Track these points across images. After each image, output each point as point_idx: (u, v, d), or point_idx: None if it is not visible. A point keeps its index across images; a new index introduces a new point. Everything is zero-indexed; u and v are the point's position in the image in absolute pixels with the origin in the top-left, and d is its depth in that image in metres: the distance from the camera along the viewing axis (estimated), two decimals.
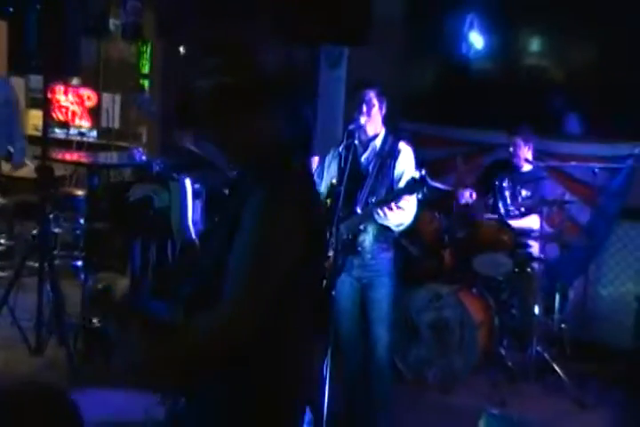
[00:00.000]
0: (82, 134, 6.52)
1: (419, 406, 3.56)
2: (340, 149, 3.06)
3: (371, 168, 3.08)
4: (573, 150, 4.43)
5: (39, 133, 4.27)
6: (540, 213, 3.91)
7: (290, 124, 1.61)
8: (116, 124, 6.41)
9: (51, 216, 4.20)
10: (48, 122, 3.92)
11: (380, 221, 2.98)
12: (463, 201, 4.09)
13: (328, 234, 2.73)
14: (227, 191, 3.54)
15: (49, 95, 4.17)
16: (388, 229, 3.07)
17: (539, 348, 3.78)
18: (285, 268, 1.51)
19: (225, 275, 1.50)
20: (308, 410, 2.33)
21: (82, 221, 4.76)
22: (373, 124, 3.10)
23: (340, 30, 4.42)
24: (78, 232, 4.88)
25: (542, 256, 3.88)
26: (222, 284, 1.50)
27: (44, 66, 3.66)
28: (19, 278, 3.79)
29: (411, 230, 3.30)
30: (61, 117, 6.54)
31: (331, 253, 2.84)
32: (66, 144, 6.28)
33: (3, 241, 5.13)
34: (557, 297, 4.11)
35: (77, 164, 5.18)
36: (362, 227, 3.03)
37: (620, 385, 3.80)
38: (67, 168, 5.60)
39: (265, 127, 1.59)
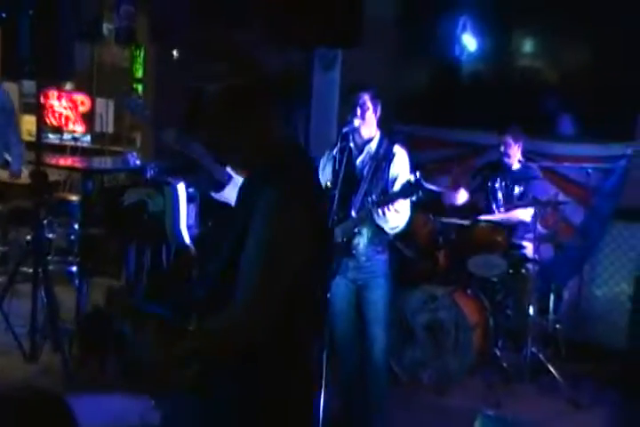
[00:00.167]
0: (75, 139, 6.51)
1: (414, 407, 3.56)
2: (335, 151, 3.06)
3: (365, 171, 3.09)
4: (567, 151, 4.45)
5: (33, 139, 4.27)
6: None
7: (290, 125, 1.64)
8: (110, 129, 6.41)
9: (45, 222, 4.20)
10: (41, 127, 3.91)
11: (377, 221, 2.99)
12: (456, 202, 4.11)
13: None
14: (215, 194, 3.54)
15: (42, 100, 4.17)
16: (382, 231, 3.08)
17: (533, 349, 3.79)
18: (296, 267, 1.54)
19: (236, 276, 1.53)
20: None
21: (76, 226, 4.75)
22: (368, 127, 3.11)
23: (333, 33, 4.43)
24: (73, 237, 4.87)
25: (537, 257, 3.89)
26: (234, 285, 1.53)
27: (37, 71, 3.66)
28: (13, 284, 3.79)
29: (405, 232, 3.31)
30: (55, 122, 6.53)
31: None
32: (59, 149, 6.27)
33: None
34: (552, 298, 4.13)
35: (71, 169, 5.17)
36: (356, 230, 3.04)
37: (615, 385, 3.81)
38: (61, 173, 5.58)
39: (271, 129, 1.62)
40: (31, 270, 3.73)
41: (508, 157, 4.18)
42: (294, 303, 1.56)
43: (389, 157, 3.12)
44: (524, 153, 4.25)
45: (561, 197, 4.30)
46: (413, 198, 2.98)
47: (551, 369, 3.75)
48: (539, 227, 3.97)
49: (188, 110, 3.62)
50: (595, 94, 4.46)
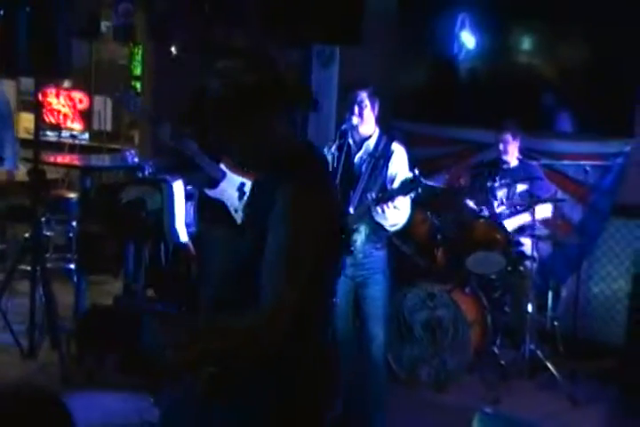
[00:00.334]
0: (74, 137, 6.51)
1: (412, 404, 3.57)
2: (333, 149, 3.07)
3: (364, 168, 3.09)
4: (565, 149, 4.45)
5: (31, 136, 4.26)
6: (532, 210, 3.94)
7: (296, 123, 1.67)
8: (108, 127, 6.40)
9: (43, 219, 4.19)
10: (39, 125, 3.91)
11: (376, 219, 2.99)
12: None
13: None
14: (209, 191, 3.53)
15: (40, 98, 4.16)
16: (380, 228, 3.08)
17: (532, 346, 3.79)
18: (317, 263, 1.56)
19: (257, 274, 1.54)
20: None
21: (74, 223, 4.74)
22: (366, 124, 3.11)
23: (331, 30, 4.43)
24: (71, 235, 4.87)
25: (535, 254, 3.90)
26: (252, 284, 1.54)
27: (35, 68, 3.65)
28: (11, 282, 3.79)
29: (403, 230, 3.31)
30: (53, 120, 6.53)
31: None
32: (58, 147, 6.26)
33: None
34: (550, 295, 4.13)
35: (69, 166, 5.17)
36: (354, 227, 3.04)
37: (613, 382, 3.81)
38: (59, 171, 5.59)
39: (282, 127, 1.63)
40: (29, 268, 3.73)
41: (507, 154, 4.18)
42: (312, 299, 1.58)
43: (388, 154, 3.12)
44: (522, 150, 4.25)
45: (559, 195, 4.31)
46: (412, 195, 2.98)
47: (549, 366, 3.75)
48: (537, 224, 3.98)
49: (189, 108, 3.62)
50: (593, 92, 4.45)
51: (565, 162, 4.31)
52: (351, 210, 3.02)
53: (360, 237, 3.07)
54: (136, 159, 4.49)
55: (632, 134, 4.29)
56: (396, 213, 3.01)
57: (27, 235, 3.87)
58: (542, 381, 3.81)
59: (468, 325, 3.75)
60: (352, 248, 3.06)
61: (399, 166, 3.13)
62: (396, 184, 3.06)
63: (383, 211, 2.93)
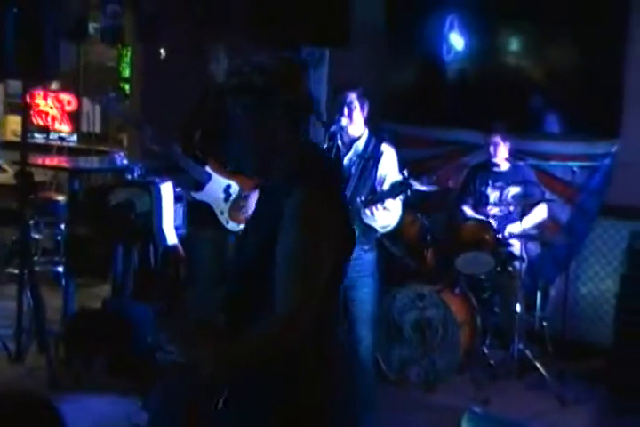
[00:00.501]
0: (62, 139, 6.48)
1: (402, 405, 3.57)
2: None
3: (353, 170, 3.10)
4: (553, 149, 4.47)
5: (18, 139, 4.24)
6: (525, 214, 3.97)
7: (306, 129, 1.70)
8: (97, 129, 6.38)
9: (31, 222, 4.18)
10: (27, 127, 3.89)
11: (366, 221, 2.99)
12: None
13: None
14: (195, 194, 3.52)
15: (28, 100, 4.14)
16: (370, 230, 3.08)
17: (520, 346, 3.81)
18: (330, 265, 1.58)
19: (267, 276, 1.55)
20: None
21: (62, 226, 4.72)
22: (355, 125, 3.12)
23: (321, 32, 4.43)
24: (59, 238, 4.84)
25: (524, 255, 3.91)
26: (260, 286, 1.57)
27: (23, 71, 3.63)
28: None
29: (393, 231, 3.32)
30: (41, 122, 6.49)
31: None
32: (46, 149, 6.23)
33: None
34: (539, 295, 4.14)
35: (58, 169, 5.15)
36: None
37: (601, 382, 3.83)
38: (47, 173, 5.56)
39: (297, 135, 1.66)
40: (17, 271, 3.72)
41: (497, 156, 4.20)
42: (327, 301, 1.61)
43: (377, 155, 3.13)
44: (510, 152, 4.26)
45: (547, 196, 4.33)
46: (402, 197, 2.99)
47: (538, 366, 3.77)
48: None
49: (192, 111, 3.63)
50: (580, 93, 4.48)
51: (553, 163, 4.33)
52: None
53: None
54: (125, 161, 4.47)
55: (619, 135, 4.32)
56: (387, 215, 3.02)
57: (14, 238, 3.85)
58: (531, 381, 3.83)
59: (458, 325, 3.76)
60: None
61: (389, 168, 3.14)
62: (385, 186, 3.07)
63: (372, 213, 2.94)
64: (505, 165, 4.25)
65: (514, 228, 4.05)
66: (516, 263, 3.98)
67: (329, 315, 1.66)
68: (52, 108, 6.48)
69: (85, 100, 6.38)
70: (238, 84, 1.62)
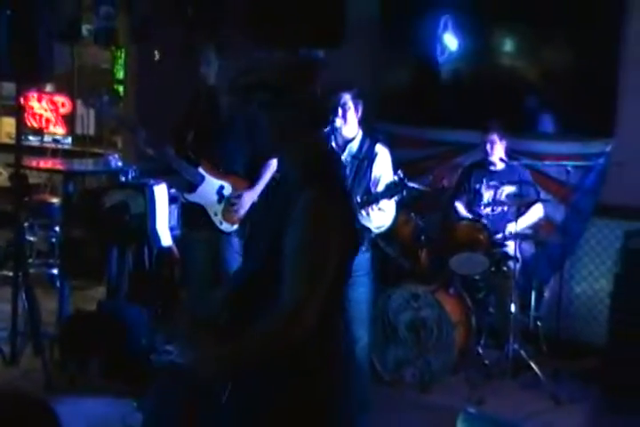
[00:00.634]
0: (56, 141, 6.47)
1: (397, 405, 3.57)
2: None
3: (348, 171, 3.10)
4: (547, 149, 4.48)
5: (12, 141, 4.24)
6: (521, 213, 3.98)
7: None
8: (91, 131, 6.37)
9: (25, 224, 4.17)
10: (21, 129, 3.88)
11: (362, 222, 3.00)
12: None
13: None
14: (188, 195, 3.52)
15: (22, 102, 4.13)
16: (364, 230, 3.09)
17: (515, 346, 3.81)
18: (335, 264, 1.60)
19: (276, 269, 1.57)
20: None
21: (57, 228, 4.72)
22: (349, 126, 3.13)
23: (314, 33, 4.44)
24: (53, 240, 4.84)
25: (518, 255, 3.92)
26: (274, 278, 1.57)
27: (17, 72, 3.63)
28: None
29: (387, 231, 3.33)
30: (35, 124, 6.48)
31: None
32: (40, 151, 6.22)
33: None
34: (533, 295, 4.16)
35: (52, 171, 5.14)
36: None
37: (595, 381, 3.84)
38: (41, 176, 5.55)
39: (315, 138, 1.70)
40: (11, 274, 3.71)
41: (493, 155, 4.20)
42: (329, 302, 1.62)
43: (371, 156, 3.14)
44: (505, 151, 4.27)
45: (542, 195, 4.34)
46: (397, 198, 2.99)
47: (533, 366, 3.77)
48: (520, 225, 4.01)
49: (183, 116, 3.63)
50: (574, 93, 4.49)
51: (547, 162, 4.35)
52: None
53: None
54: (119, 163, 4.47)
55: (613, 135, 4.34)
56: (382, 216, 3.03)
57: (9, 240, 3.84)
58: (526, 380, 3.83)
59: (453, 325, 3.77)
60: None
61: (383, 168, 3.15)
62: (380, 187, 3.07)
63: (368, 214, 2.94)
64: (500, 165, 4.26)
65: (511, 227, 4.06)
66: (511, 263, 3.99)
67: (332, 314, 1.67)
68: (46, 110, 6.47)
69: (80, 103, 6.37)
70: (252, 81, 1.63)
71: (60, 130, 6.49)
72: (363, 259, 3.14)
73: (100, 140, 6.33)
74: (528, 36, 4.73)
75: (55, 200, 4.87)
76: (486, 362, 3.90)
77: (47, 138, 6.49)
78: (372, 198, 3.00)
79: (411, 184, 3.00)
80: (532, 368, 3.77)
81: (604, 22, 4.35)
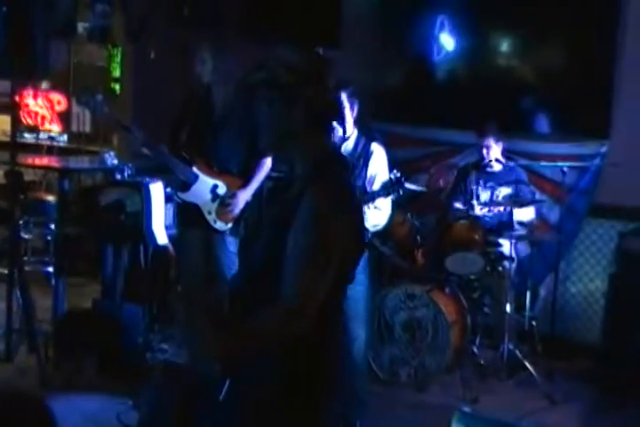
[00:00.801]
0: (52, 139, 6.44)
1: (392, 404, 3.58)
2: None
3: None
4: (543, 150, 4.50)
5: (8, 138, 4.22)
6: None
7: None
8: (87, 129, 6.35)
9: (20, 222, 4.15)
10: (17, 127, 3.87)
11: None
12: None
13: None
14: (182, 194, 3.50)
15: (17, 99, 4.12)
16: None
17: (510, 345, 3.82)
18: (339, 260, 1.60)
19: (277, 269, 1.58)
20: None
21: (52, 226, 4.70)
22: (345, 125, 3.12)
23: (310, 32, 4.45)
24: (49, 238, 4.82)
25: (513, 255, 3.93)
26: (274, 278, 1.58)
27: (12, 70, 3.61)
28: None
29: (383, 231, 3.33)
30: (31, 122, 6.46)
31: None
32: (36, 149, 6.20)
33: None
34: (528, 295, 4.17)
35: (47, 168, 5.12)
36: None
37: (590, 381, 3.86)
38: (36, 173, 5.53)
39: (321, 136, 1.70)
40: (7, 271, 3.69)
41: (490, 158, 4.21)
42: (330, 301, 1.62)
43: (367, 154, 3.14)
44: (502, 153, 4.28)
45: (537, 196, 4.36)
46: (392, 197, 3.00)
47: (527, 366, 3.78)
48: (516, 225, 4.02)
49: (177, 114, 3.63)
50: (569, 94, 4.51)
51: (543, 163, 4.36)
52: None
53: None
54: (115, 161, 4.46)
55: (608, 136, 4.35)
56: (378, 214, 3.03)
57: (4, 238, 3.83)
58: (521, 380, 3.84)
59: (448, 325, 3.77)
60: None
61: (379, 167, 3.15)
62: (376, 185, 3.07)
63: (364, 212, 2.94)
64: (497, 166, 4.27)
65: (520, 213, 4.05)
66: (506, 263, 4.00)
67: (332, 313, 1.68)
68: (41, 107, 6.45)
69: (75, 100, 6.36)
70: (262, 78, 1.63)
71: (55, 127, 6.47)
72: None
73: (95, 137, 6.31)
74: (524, 36, 4.74)
75: (50, 198, 4.85)
76: (481, 362, 3.91)
77: (43, 135, 6.47)
78: (369, 197, 3.00)
79: (407, 185, 3.01)
80: (527, 368, 3.78)
81: (600, 23, 4.36)
